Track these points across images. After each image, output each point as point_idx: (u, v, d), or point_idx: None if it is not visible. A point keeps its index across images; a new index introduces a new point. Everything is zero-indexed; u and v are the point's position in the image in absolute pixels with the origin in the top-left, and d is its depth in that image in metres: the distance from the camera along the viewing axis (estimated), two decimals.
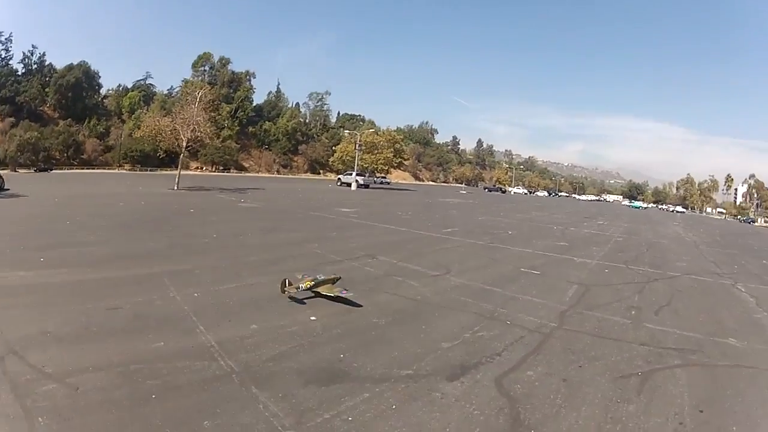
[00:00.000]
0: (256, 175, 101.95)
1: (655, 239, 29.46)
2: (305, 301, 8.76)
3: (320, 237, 17.02)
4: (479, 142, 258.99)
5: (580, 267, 15.44)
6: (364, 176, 72.78)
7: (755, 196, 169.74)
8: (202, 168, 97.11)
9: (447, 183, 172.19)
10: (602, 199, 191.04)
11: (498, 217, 34.11)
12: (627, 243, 24.85)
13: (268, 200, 34.64)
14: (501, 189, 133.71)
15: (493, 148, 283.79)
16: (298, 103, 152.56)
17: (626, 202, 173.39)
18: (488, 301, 9.80)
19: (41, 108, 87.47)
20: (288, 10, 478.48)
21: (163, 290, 8.84)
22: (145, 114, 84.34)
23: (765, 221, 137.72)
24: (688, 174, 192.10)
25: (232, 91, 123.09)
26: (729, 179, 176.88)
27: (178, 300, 8.28)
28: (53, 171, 62.00)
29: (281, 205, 31.22)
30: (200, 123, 41.18)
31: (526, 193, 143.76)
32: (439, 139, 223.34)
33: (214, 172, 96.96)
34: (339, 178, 73.55)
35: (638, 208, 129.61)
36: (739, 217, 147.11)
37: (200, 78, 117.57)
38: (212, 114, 50.76)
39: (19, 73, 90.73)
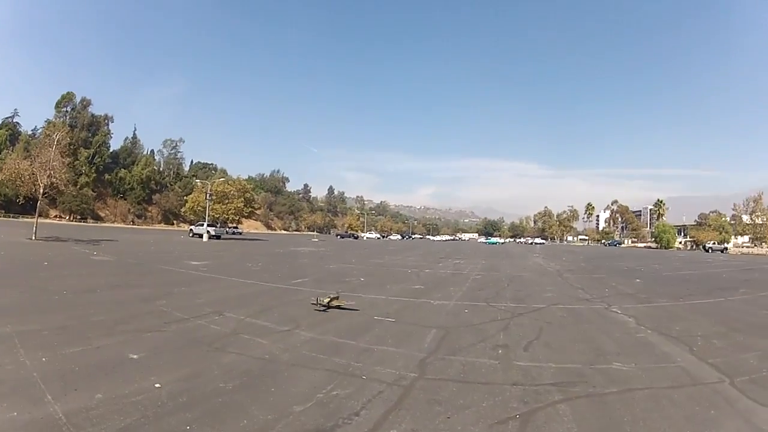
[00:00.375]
0: (111, 225, 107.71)
1: (516, 273, 30.77)
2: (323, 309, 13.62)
3: (168, 293, 17.19)
4: (330, 189, 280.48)
5: (438, 310, 15.30)
6: (216, 227, 78.48)
7: (619, 219, 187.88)
8: (60, 216, 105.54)
9: (299, 231, 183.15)
10: (457, 238, 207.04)
11: (350, 264, 34.71)
12: (486, 280, 25.46)
13: (121, 253, 36.47)
14: (353, 235, 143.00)
15: (345, 194, 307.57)
16: (153, 150, 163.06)
17: (482, 239, 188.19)
18: (341, 355, 9.55)
19: None
20: (147, 50, 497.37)
21: (13, 353, 8.77)
22: (9, 155, 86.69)
23: (631, 242, 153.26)
24: (546, 207, 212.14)
25: (90, 135, 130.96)
26: (590, 207, 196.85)
27: (27, 365, 8.20)
28: None
29: (133, 259, 32.34)
30: (56, 168, 42.22)
31: (379, 238, 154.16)
32: (290, 187, 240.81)
33: (72, 221, 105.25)
34: (191, 229, 78.67)
35: (495, 243, 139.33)
36: (603, 241, 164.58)
37: (62, 119, 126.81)
38: (69, 159, 53.40)
39: None
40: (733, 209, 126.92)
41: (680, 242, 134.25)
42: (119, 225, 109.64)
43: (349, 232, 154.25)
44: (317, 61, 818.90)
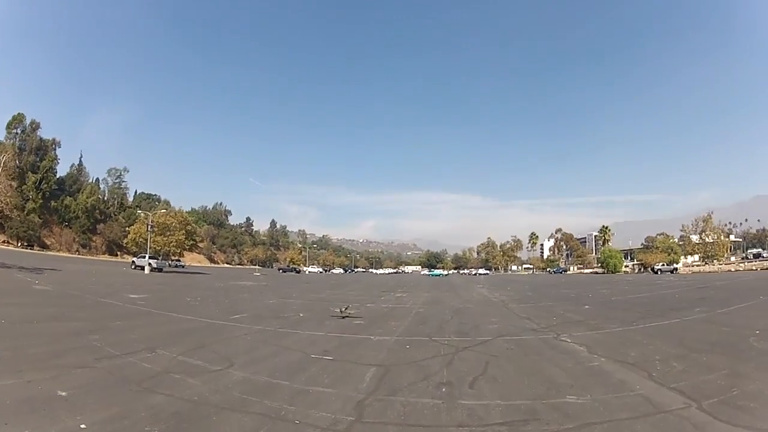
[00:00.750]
0: (57, 254, 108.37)
1: (460, 305, 30.55)
2: None
3: (104, 327, 17.46)
4: (273, 223, 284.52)
5: (379, 346, 14.83)
6: (158, 259, 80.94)
7: (564, 247, 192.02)
8: (8, 242, 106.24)
9: (242, 265, 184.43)
10: (400, 270, 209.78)
11: (290, 299, 34.42)
12: (429, 313, 25.15)
13: (62, 283, 37.55)
14: (296, 269, 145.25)
15: (287, 228, 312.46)
16: (98, 179, 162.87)
17: (425, 271, 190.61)
18: (274, 397, 9.19)
19: None
20: (95, 77, 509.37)
21: None
22: None
23: (577, 268, 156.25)
24: (489, 237, 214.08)
25: (38, 159, 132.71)
26: (533, 237, 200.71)
27: None
28: None
29: (73, 289, 32.94)
30: (2, 191, 43.29)
31: (321, 272, 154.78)
32: (233, 220, 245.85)
33: (20, 247, 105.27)
34: (133, 261, 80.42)
35: (438, 275, 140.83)
36: (548, 269, 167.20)
37: (12, 141, 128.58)
38: (16, 183, 55.96)
39: None
40: (681, 230, 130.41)
41: (627, 266, 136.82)
42: (65, 254, 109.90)
43: (291, 266, 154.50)
44: (259, 97, 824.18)
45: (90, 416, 7.77)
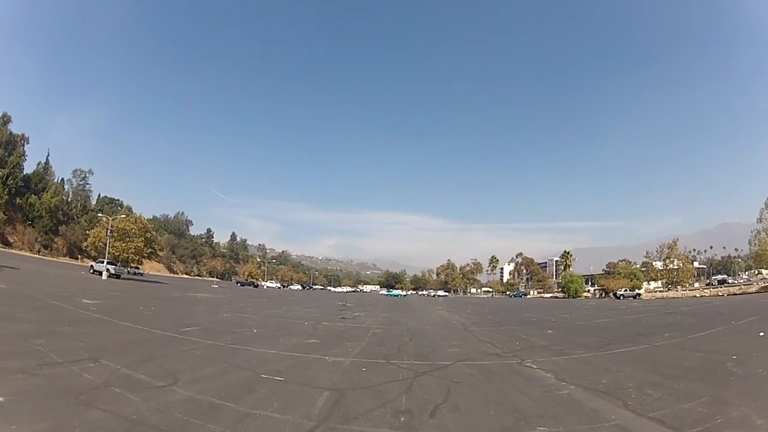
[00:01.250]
0: (18, 252, 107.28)
1: (419, 326, 29.83)
2: None
3: (51, 331, 16.86)
4: (233, 236, 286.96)
5: (333, 367, 14.02)
6: (116, 265, 78.23)
7: (524, 271, 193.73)
8: None
9: (201, 276, 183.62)
10: (359, 290, 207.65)
11: (245, 314, 33.60)
12: (387, 334, 24.41)
13: (17, 283, 36.75)
14: (254, 283, 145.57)
15: (248, 242, 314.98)
16: (63, 179, 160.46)
17: (384, 291, 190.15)
18: (218, 420, 8.53)
19: None
20: (67, 78, 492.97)
21: None
22: None
23: (537, 292, 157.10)
24: (449, 260, 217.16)
25: (7, 154, 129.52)
26: (494, 260, 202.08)
27: None
28: None
29: (27, 290, 32.42)
30: None
31: (279, 287, 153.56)
32: (194, 230, 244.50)
33: None
34: (92, 265, 77.95)
35: (397, 296, 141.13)
36: (508, 293, 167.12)
37: None
38: None
39: None
40: (645, 256, 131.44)
41: (589, 291, 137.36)
42: (26, 253, 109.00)
43: (249, 279, 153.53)
44: (224, 113, 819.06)
45: (23, 426, 7.44)
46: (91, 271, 75.60)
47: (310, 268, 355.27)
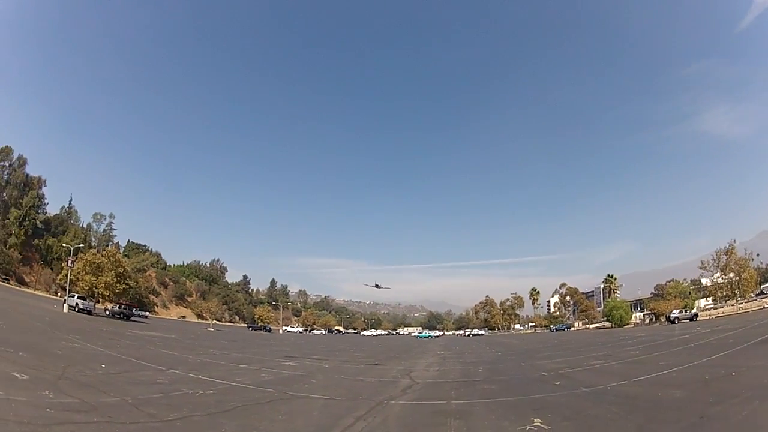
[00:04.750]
0: (33, 292, 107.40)
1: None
2: None
3: None
4: (273, 282, 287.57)
5: None
6: (86, 300, 75.46)
7: (570, 302, 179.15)
8: None
9: (233, 322, 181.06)
10: (393, 332, 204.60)
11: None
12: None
13: None
14: (266, 327, 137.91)
15: (288, 288, 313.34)
16: (89, 224, 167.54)
17: (416, 333, 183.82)
18: None
19: None
20: (90, 118, 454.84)
21: None
22: None
23: (582, 324, 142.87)
24: (487, 296, 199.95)
25: (23, 195, 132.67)
26: (534, 293, 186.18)
27: None
28: None
29: None
30: None
31: (300, 332, 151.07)
32: (231, 278, 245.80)
33: None
34: (65, 300, 74.16)
35: (426, 337, 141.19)
36: (551, 326, 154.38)
37: None
38: None
39: None
40: (701, 267, 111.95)
41: (637, 317, 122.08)
42: (40, 293, 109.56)
43: (260, 323, 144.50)
44: (255, 160, 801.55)
45: None
46: (64, 305, 71.28)
47: (355, 312, 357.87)
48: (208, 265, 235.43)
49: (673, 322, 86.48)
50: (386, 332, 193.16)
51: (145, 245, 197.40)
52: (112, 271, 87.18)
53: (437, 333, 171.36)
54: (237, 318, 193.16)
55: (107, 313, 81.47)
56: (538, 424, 12.50)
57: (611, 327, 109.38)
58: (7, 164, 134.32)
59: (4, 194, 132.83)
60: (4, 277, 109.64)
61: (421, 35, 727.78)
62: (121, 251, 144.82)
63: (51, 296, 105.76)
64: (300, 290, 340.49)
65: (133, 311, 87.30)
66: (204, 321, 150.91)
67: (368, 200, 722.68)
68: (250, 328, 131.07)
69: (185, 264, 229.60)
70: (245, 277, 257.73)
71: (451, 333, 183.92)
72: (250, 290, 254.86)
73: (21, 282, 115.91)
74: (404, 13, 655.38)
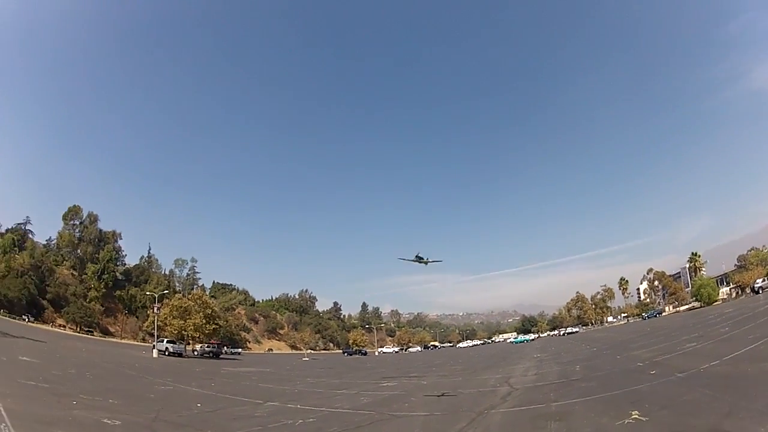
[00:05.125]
0: (119, 341, 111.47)
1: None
2: None
3: None
4: (364, 306, 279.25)
5: None
6: (175, 343, 77.28)
7: (659, 287, 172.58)
8: (63, 326, 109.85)
9: (327, 350, 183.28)
10: (488, 341, 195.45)
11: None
12: None
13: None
14: (361, 351, 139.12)
15: (380, 309, 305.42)
16: (171, 270, 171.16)
17: (512, 338, 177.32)
18: None
19: None
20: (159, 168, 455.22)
21: None
22: (15, 259, 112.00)
23: (673, 308, 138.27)
24: (577, 292, 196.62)
25: (98, 250, 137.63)
26: (623, 282, 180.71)
27: None
28: None
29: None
30: None
31: (396, 352, 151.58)
32: (321, 305, 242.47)
33: (79, 332, 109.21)
34: (153, 345, 75.17)
35: (522, 341, 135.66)
36: (643, 314, 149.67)
37: (70, 231, 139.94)
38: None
39: None
40: None
41: (724, 293, 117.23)
42: (126, 341, 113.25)
43: (355, 348, 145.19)
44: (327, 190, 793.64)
45: None
46: (153, 350, 72.37)
47: (450, 325, 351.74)
48: (297, 297, 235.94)
49: (757, 293, 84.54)
50: (481, 341, 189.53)
51: (231, 284, 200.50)
52: (200, 313, 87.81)
53: (532, 336, 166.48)
54: (331, 345, 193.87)
55: (195, 353, 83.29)
56: (636, 416, 12.34)
57: (700, 306, 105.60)
58: (77, 222, 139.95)
59: (78, 251, 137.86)
60: (87, 329, 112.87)
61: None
62: (207, 293, 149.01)
63: (139, 343, 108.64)
64: (392, 310, 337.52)
65: (222, 349, 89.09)
66: (298, 351, 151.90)
67: (450, 211, 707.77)
68: (346, 354, 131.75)
69: (274, 298, 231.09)
70: (335, 303, 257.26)
71: (545, 334, 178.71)
72: (341, 316, 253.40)
73: (105, 333, 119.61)
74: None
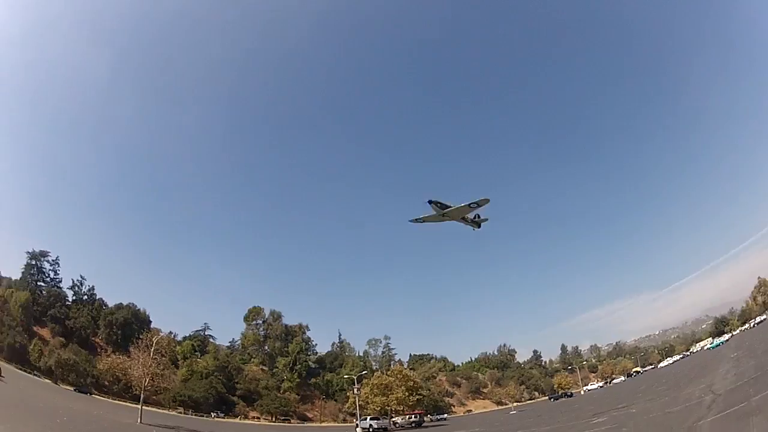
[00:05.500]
0: (319, 425, 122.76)
1: None
2: None
3: None
4: (563, 348, 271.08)
5: None
6: (379, 419, 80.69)
7: None
8: (258, 417, 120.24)
9: (533, 399, 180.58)
10: (686, 354, 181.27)
11: None
12: None
13: None
14: (566, 393, 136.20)
15: (579, 347, 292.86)
16: (366, 351, 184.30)
17: (708, 344, 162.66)
18: None
19: (93, 339, 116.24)
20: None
21: None
22: (197, 363, 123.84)
23: None
24: (759, 277, 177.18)
25: (285, 344, 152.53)
26: None
27: None
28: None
29: None
30: (152, 366, 54.42)
31: (601, 386, 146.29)
32: (520, 356, 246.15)
33: (274, 421, 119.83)
34: (357, 424, 79.77)
35: (719, 345, 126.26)
36: None
37: (253, 331, 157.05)
38: (166, 359, 66.09)
39: (69, 298, 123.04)
40: None
41: None
42: (326, 424, 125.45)
43: (560, 391, 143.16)
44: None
45: None
46: (357, 428, 77.02)
47: (648, 347, 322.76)
48: (496, 353, 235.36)
49: None
50: (680, 356, 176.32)
51: (427, 354, 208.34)
52: (402, 387, 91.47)
53: (726, 337, 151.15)
54: (536, 393, 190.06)
55: (397, 426, 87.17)
56: None
57: None
58: (260, 321, 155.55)
59: (266, 347, 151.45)
60: (283, 417, 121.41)
61: None
62: (405, 366, 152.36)
63: (339, 424, 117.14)
64: (591, 345, 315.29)
65: (425, 418, 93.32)
66: (504, 406, 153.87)
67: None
68: (552, 399, 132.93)
69: (473, 359, 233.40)
70: (535, 351, 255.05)
71: (737, 331, 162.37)
72: (542, 363, 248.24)
73: (303, 419, 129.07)
74: None
